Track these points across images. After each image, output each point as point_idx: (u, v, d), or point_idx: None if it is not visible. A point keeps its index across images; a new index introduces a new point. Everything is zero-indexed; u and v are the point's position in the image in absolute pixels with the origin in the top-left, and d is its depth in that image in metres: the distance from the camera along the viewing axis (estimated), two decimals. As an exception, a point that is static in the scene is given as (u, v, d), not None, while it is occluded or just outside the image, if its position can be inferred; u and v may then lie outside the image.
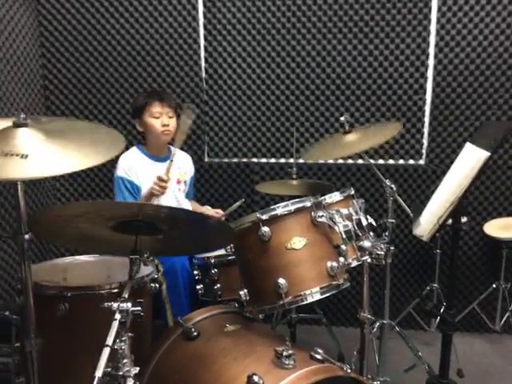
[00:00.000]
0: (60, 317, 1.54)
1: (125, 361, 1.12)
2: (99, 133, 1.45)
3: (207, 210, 2.46)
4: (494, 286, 2.71)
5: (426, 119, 2.75)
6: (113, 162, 2.83)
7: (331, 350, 2.42)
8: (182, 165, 2.50)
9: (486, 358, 2.58)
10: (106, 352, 1.05)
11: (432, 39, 2.65)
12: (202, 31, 2.78)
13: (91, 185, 2.95)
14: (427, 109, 2.73)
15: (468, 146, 1.59)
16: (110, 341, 1.08)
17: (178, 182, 2.45)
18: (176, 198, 2.44)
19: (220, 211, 2.40)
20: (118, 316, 1.13)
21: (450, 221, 1.60)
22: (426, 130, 2.76)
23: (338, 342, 2.48)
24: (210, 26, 2.76)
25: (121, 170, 2.28)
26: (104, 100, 2.87)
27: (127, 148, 2.50)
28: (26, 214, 1.38)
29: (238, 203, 2.29)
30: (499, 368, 2.48)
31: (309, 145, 2.79)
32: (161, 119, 2.30)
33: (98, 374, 1.01)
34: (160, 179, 2.04)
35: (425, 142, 2.77)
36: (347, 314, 2.97)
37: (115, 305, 1.14)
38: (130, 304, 1.15)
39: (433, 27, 2.64)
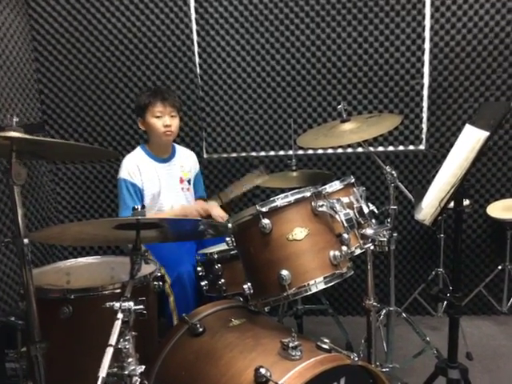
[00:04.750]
0: (64, 319, 1.54)
1: (130, 360, 1.12)
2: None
3: (215, 207, 2.39)
4: (500, 267, 2.69)
5: (425, 104, 2.72)
6: (111, 163, 2.86)
7: (339, 339, 2.42)
8: (186, 163, 2.48)
9: (495, 340, 2.58)
10: (110, 352, 1.05)
11: (427, 22, 2.61)
12: (194, 26, 2.76)
13: (91, 187, 2.94)
14: (425, 93, 2.70)
15: (467, 127, 1.57)
16: (113, 340, 1.07)
17: (181, 181, 2.43)
18: (186, 197, 2.43)
19: (225, 217, 2.31)
20: (120, 315, 1.12)
21: (452, 204, 1.58)
22: (424, 115, 2.73)
23: (345, 332, 2.48)
24: (203, 21, 2.74)
25: (124, 172, 2.26)
26: (100, 101, 2.85)
27: (133, 147, 2.49)
28: (27, 220, 1.39)
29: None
30: (508, 349, 2.47)
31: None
32: (163, 119, 2.27)
33: (102, 374, 1.01)
34: (206, 212, 2.30)
35: (424, 126, 2.75)
36: (353, 303, 2.96)
37: (117, 304, 1.14)
38: (132, 303, 1.15)
39: (427, 10, 2.60)
